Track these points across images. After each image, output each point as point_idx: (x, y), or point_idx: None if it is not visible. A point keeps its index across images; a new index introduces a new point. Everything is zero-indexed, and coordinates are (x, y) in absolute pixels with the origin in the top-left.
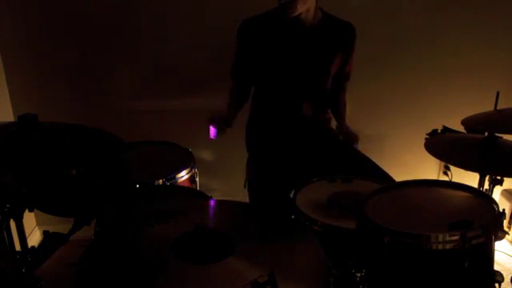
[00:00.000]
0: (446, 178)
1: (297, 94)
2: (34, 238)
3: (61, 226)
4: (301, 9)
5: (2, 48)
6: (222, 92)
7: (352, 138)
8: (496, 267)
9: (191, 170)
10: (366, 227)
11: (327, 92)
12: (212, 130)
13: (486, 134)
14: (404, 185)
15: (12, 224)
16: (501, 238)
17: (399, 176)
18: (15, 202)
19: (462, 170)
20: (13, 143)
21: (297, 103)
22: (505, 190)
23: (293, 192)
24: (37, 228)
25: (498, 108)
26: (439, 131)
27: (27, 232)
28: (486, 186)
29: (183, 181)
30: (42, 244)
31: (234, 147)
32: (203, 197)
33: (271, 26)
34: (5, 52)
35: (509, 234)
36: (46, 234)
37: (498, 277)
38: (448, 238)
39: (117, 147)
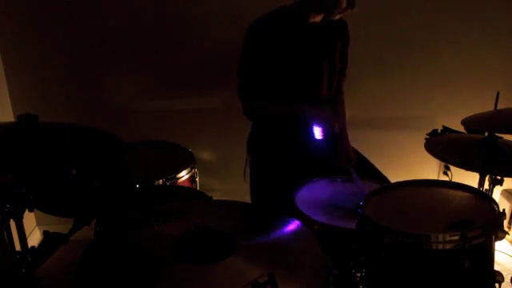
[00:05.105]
0: (446, 178)
1: (310, 95)
2: (34, 238)
3: (61, 226)
4: None
5: (2, 48)
6: (222, 92)
7: (348, 159)
8: (496, 267)
9: (191, 170)
10: (366, 227)
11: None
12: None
13: (486, 134)
14: (404, 185)
15: (12, 224)
16: (501, 238)
17: (399, 176)
18: (15, 202)
19: (462, 170)
20: (13, 143)
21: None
22: (505, 190)
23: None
24: (37, 228)
25: (498, 108)
26: (439, 131)
27: (27, 232)
28: (486, 186)
29: (183, 181)
30: (41, 244)
31: (234, 147)
32: (203, 197)
33: (285, 25)
34: (5, 52)
35: (509, 234)
36: (45, 234)
37: (498, 277)
38: (448, 238)
39: (117, 147)
